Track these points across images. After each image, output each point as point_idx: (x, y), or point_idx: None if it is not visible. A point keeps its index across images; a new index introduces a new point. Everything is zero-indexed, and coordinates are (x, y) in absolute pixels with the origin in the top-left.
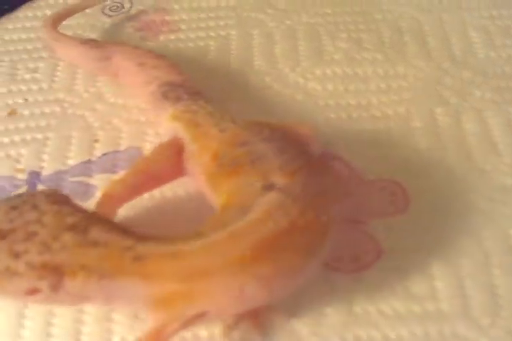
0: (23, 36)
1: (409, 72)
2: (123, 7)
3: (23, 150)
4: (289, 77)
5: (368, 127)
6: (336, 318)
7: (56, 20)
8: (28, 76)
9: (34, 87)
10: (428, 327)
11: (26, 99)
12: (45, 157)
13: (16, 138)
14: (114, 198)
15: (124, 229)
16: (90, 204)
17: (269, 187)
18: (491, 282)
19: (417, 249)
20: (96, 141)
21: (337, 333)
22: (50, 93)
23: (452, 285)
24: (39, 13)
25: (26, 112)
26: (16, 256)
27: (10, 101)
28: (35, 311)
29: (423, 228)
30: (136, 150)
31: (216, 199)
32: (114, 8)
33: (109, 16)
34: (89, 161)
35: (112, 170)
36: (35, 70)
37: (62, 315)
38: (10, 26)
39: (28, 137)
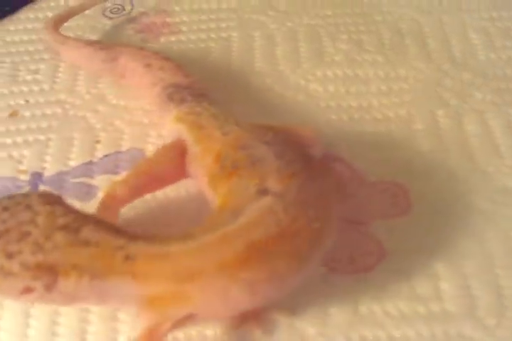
0: (25, 38)
1: (409, 73)
2: (124, 9)
3: (26, 152)
4: (290, 79)
5: (369, 129)
6: (342, 318)
7: (58, 22)
8: (29, 77)
9: (35, 88)
10: (434, 327)
11: (28, 101)
12: (47, 158)
13: (18, 139)
14: (116, 199)
15: (116, 229)
16: (92, 204)
17: (263, 192)
18: (496, 283)
19: (420, 250)
20: (98, 142)
21: (342, 333)
22: (52, 94)
23: (457, 285)
24: (40, 15)
25: (28, 113)
26: (10, 256)
27: (11, 103)
28: (41, 310)
29: (425, 229)
30: (137, 152)
31: (216, 200)
32: (115, 10)
33: (110, 18)
34: (90, 162)
35: (114, 171)
36: (36, 72)
37: (68, 314)
38: (11, 28)
39: (30, 138)
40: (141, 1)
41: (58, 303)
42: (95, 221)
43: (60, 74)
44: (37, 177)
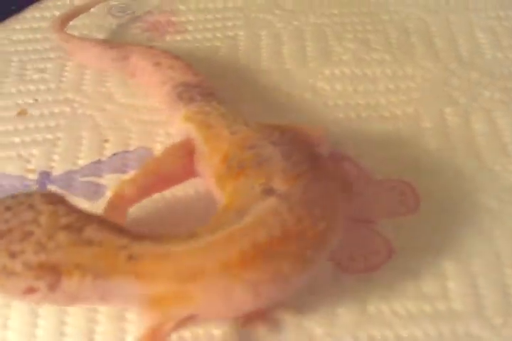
0: (31, 37)
1: (417, 72)
2: (129, 8)
3: (34, 151)
4: (297, 78)
5: (376, 127)
6: (349, 318)
7: (64, 22)
8: (36, 76)
9: (43, 87)
10: (441, 326)
11: (36, 100)
12: (56, 157)
13: (27, 138)
14: (124, 198)
15: (119, 228)
16: (100, 204)
17: (268, 192)
18: (503, 281)
19: (427, 249)
20: (106, 141)
21: (350, 333)
22: (59, 93)
23: (464, 284)
24: (47, 14)
25: (36, 112)
26: (13, 256)
27: (19, 102)
28: (48, 310)
29: (432, 228)
30: (145, 151)
31: (223, 200)
32: (121, 8)
33: (116, 17)
34: (99, 161)
35: (122, 170)
36: (43, 70)
37: (76, 314)
38: (17, 27)
39: (39, 137)
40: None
41: (61, 303)
42: (98, 220)
43: (67, 73)
44: (45, 176)
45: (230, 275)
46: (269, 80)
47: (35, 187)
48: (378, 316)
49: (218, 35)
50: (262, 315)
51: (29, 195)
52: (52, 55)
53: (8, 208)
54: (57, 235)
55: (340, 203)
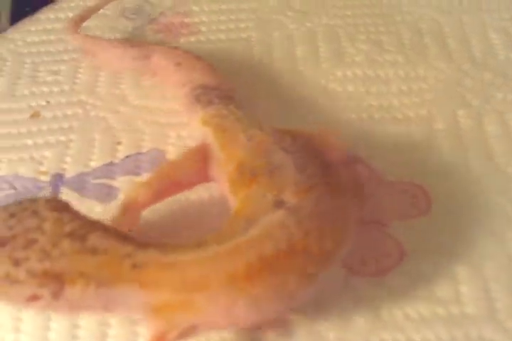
0: (45, 38)
1: (430, 73)
2: (143, 10)
3: (47, 153)
4: (309, 79)
5: (389, 129)
6: (361, 322)
7: (78, 23)
8: (50, 78)
9: (56, 89)
10: (454, 330)
11: (49, 102)
12: (68, 159)
13: (39, 140)
14: (138, 202)
15: (124, 236)
16: (113, 206)
17: (278, 204)
18: None
19: (439, 251)
20: (119, 143)
21: (362, 337)
22: (73, 95)
23: (477, 287)
24: (61, 15)
25: (49, 114)
26: (17, 263)
27: (33, 104)
28: None
29: (444, 230)
30: (158, 153)
31: (235, 206)
32: (134, 10)
33: (129, 19)
34: (111, 163)
35: (135, 172)
36: (57, 72)
37: (88, 317)
38: (32, 28)
39: (51, 139)
40: (160, 1)
41: (65, 311)
42: (103, 228)
43: (80, 75)
44: (58, 178)
45: (234, 288)
46: (282, 81)
47: (47, 189)
48: (390, 320)
49: (232, 36)
50: (272, 319)
51: (33, 201)
52: (65, 56)
53: (12, 215)
54: (62, 243)
55: (352, 216)
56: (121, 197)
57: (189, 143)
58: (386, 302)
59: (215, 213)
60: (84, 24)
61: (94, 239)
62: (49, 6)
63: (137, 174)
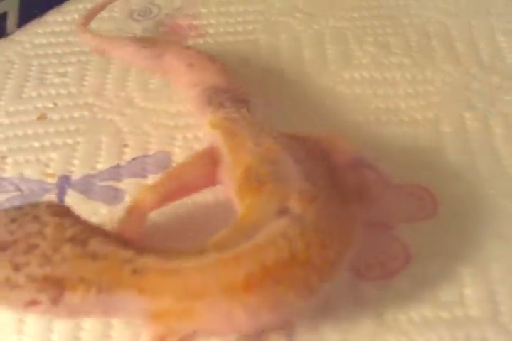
0: (53, 40)
1: (437, 76)
2: (151, 12)
3: (53, 155)
4: (316, 81)
5: (396, 131)
6: (366, 325)
7: (86, 22)
8: (57, 80)
9: (63, 92)
10: (456, 332)
11: (56, 104)
12: (75, 161)
13: (46, 142)
14: (144, 205)
15: (124, 242)
16: (120, 208)
17: (282, 213)
18: None
19: (445, 254)
20: (125, 145)
21: (366, 339)
22: (80, 97)
23: (481, 290)
24: (68, 18)
25: (56, 117)
26: (17, 268)
27: (39, 106)
28: None
29: (451, 233)
30: (165, 155)
31: (241, 211)
32: (142, 13)
33: (137, 21)
34: (118, 166)
35: (141, 175)
36: (64, 75)
37: (92, 319)
38: (39, 30)
39: (58, 141)
40: (168, 3)
41: (64, 316)
42: (104, 233)
43: (87, 78)
44: (64, 180)
45: (233, 297)
46: (289, 83)
47: (54, 191)
48: (394, 322)
49: (239, 38)
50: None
51: (34, 205)
52: (73, 59)
53: (13, 219)
54: (63, 248)
55: (358, 224)
56: (127, 199)
57: (196, 146)
58: (391, 305)
59: (220, 215)
60: (93, 26)
61: (95, 244)
62: (56, 9)
63: (143, 176)
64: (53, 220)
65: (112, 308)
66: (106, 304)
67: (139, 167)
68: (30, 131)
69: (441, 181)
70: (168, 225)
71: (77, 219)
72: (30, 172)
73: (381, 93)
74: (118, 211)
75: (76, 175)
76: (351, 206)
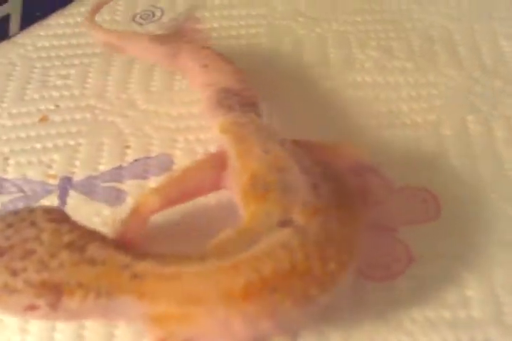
0: (55, 43)
1: (439, 80)
2: (154, 15)
3: (55, 156)
4: (318, 85)
5: (398, 135)
6: (368, 326)
7: (92, 17)
8: (59, 82)
9: (66, 94)
10: (460, 333)
11: (58, 106)
12: (77, 163)
13: (48, 144)
14: (148, 208)
15: (123, 246)
16: (122, 209)
17: (285, 223)
18: None
19: (448, 256)
20: (127, 147)
21: (368, 339)
22: (82, 99)
23: (484, 292)
24: (71, 21)
25: (58, 118)
26: (14, 273)
27: (42, 108)
28: None
29: (454, 235)
30: (166, 157)
31: (245, 217)
32: (145, 16)
33: (140, 24)
34: (120, 167)
35: (143, 176)
36: (66, 77)
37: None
38: (42, 33)
39: (60, 143)
40: (172, 7)
41: (63, 320)
42: (101, 238)
43: (90, 80)
44: (66, 181)
45: (231, 305)
46: (291, 87)
47: (56, 192)
48: (397, 323)
49: (242, 42)
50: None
51: (31, 211)
52: (75, 61)
53: (9, 225)
54: (60, 254)
55: (360, 241)
56: (129, 200)
57: (197, 148)
58: (394, 306)
59: (222, 217)
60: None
61: (93, 250)
62: (59, 12)
63: (145, 178)
64: (50, 226)
65: (111, 313)
66: (105, 308)
67: (140, 168)
68: (32, 133)
69: (443, 184)
70: (170, 227)
71: (74, 225)
72: (32, 174)
73: (383, 97)
74: (120, 212)
75: (78, 176)
76: (356, 213)
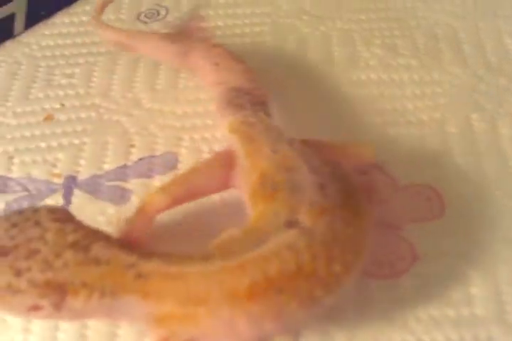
0: (60, 42)
1: (444, 78)
2: (158, 14)
3: (60, 155)
4: (323, 83)
5: (403, 132)
6: (373, 324)
7: (98, 16)
8: (64, 81)
9: (71, 93)
10: (463, 331)
11: (63, 105)
12: (82, 162)
13: (53, 143)
14: (154, 207)
15: (127, 246)
16: (127, 208)
17: (291, 224)
18: None
19: (452, 254)
20: (132, 146)
21: (373, 338)
22: (87, 98)
23: (488, 290)
24: (75, 20)
25: (63, 117)
26: (18, 273)
27: (47, 106)
28: None
29: (458, 233)
30: (171, 156)
31: (252, 217)
32: (150, 14)
33: (145, 23)
34: (124, 166)
35: (148, 175)
36: (71, 76)
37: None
38: (47, 32)
39: (65, 142)
40: (176, 5)
41: (66, 320)
42: (106, 238)
43: (95, 79)
44: (71, 180)
45: (235, 305)
46: (296, 85)
47: (61, 191)
48: (402, 321)
49: (246, 40)
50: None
51: (35, 210)
52: (80, 60)
53: (14, 224)
54: (65, 253)
55: (368, 242)
56: (134, 199)
57: (202, 147)
58: (398, 304)
59: (227, 216)
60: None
61: (98, 250)
62: (64, 10)
63: (150, 177)
64: (55, 226)
65: (115, 312)
66: (109, 308)
67: (145, 167)
68: (37, 132)
69: (448, 182)
70: (175, 226)
71: (78, 224)
72: (37, 173)
73: (388, 94)
74: (125, 211)
75: (83, 175)
76: (363, 213)
